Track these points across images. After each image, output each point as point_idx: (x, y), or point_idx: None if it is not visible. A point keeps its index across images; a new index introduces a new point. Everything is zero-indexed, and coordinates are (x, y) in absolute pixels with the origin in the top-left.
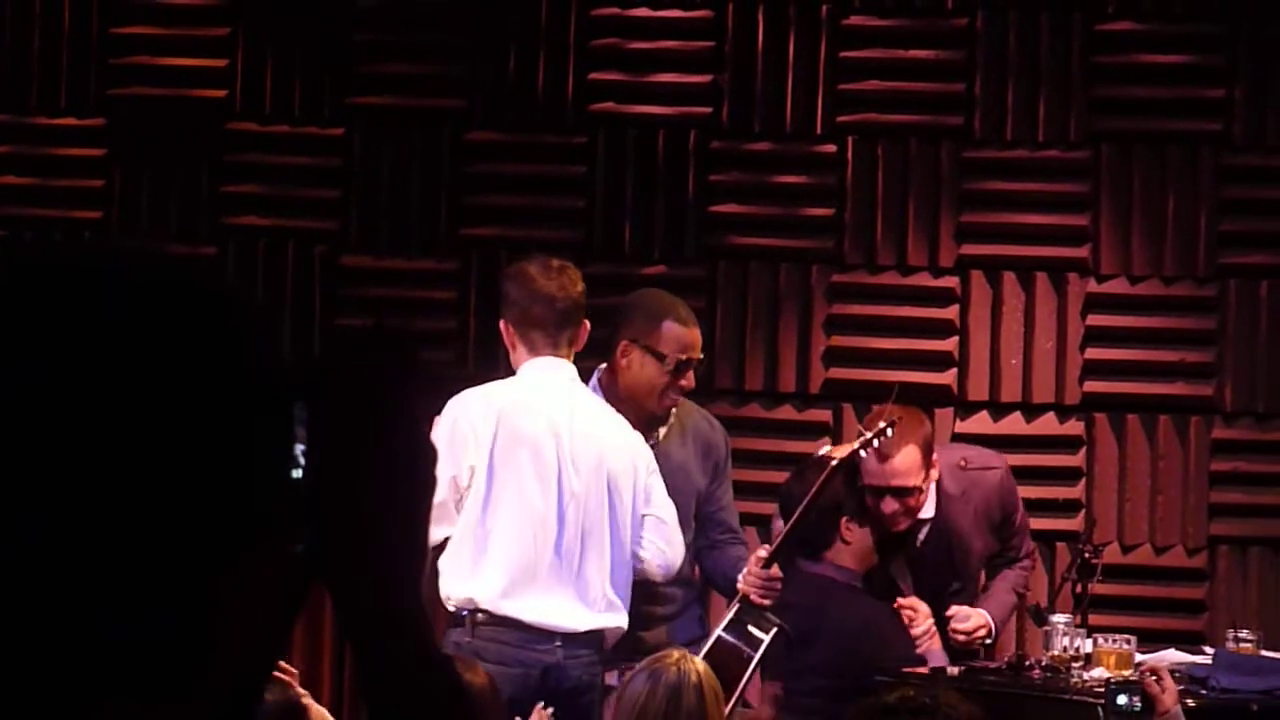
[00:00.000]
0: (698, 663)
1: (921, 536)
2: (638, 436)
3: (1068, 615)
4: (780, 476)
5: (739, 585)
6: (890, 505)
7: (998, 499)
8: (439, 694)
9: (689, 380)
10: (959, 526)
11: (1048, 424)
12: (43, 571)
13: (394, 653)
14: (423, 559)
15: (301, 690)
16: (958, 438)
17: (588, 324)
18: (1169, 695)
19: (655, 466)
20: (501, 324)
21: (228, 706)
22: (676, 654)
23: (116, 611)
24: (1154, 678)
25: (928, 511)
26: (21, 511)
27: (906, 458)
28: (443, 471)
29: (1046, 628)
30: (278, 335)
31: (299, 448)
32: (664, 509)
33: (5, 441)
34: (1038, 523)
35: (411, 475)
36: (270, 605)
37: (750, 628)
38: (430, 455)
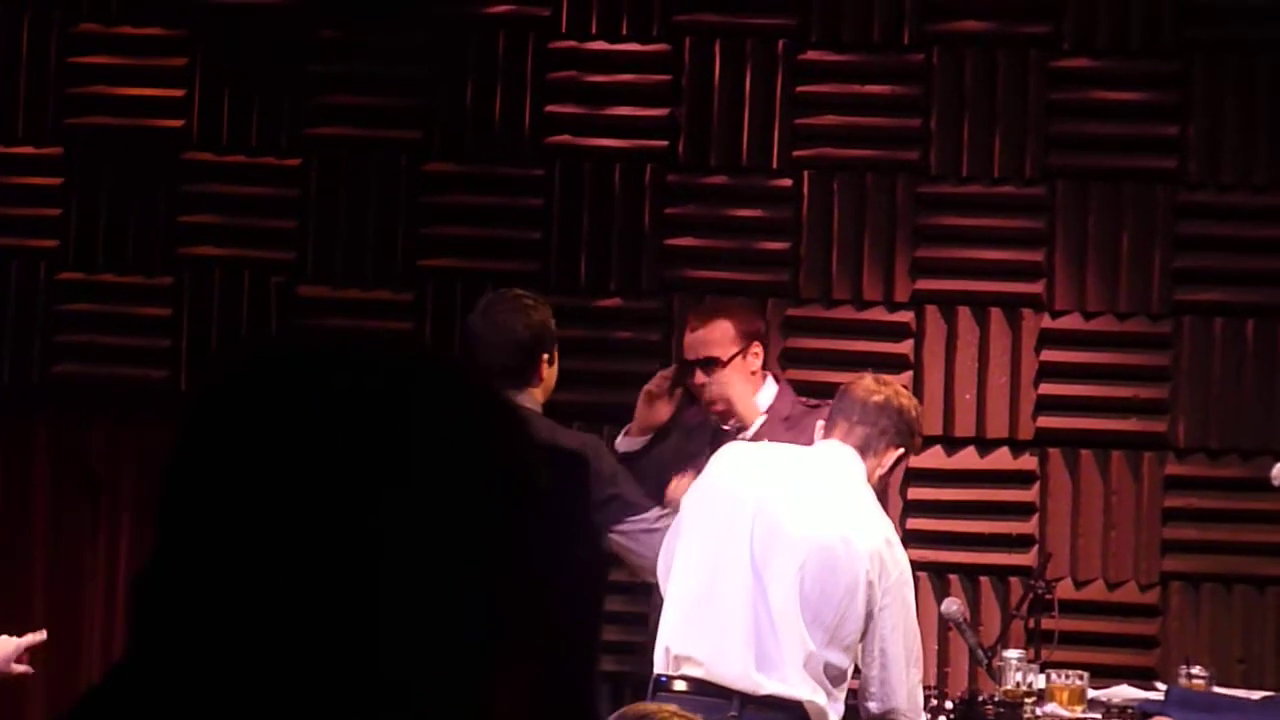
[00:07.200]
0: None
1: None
2: None
3: (1020, 651)
4: None
5: None
6: (698, 377)
7: None
8: None
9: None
10: None
11: (1001, 459)
12: (314, 666)
13: None
14: (598, 662)
15: None
16: (910, 472)
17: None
18: None
19: None
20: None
21: None
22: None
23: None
24: None
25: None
26: (301, 608)
27: (715, 329)
28: None
29: (999, 663)
30: (529, 439)
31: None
32: None
33: (275, 532)
34: (991, 557)
35: (597, 586)
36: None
37: None
38: (608, 565)
